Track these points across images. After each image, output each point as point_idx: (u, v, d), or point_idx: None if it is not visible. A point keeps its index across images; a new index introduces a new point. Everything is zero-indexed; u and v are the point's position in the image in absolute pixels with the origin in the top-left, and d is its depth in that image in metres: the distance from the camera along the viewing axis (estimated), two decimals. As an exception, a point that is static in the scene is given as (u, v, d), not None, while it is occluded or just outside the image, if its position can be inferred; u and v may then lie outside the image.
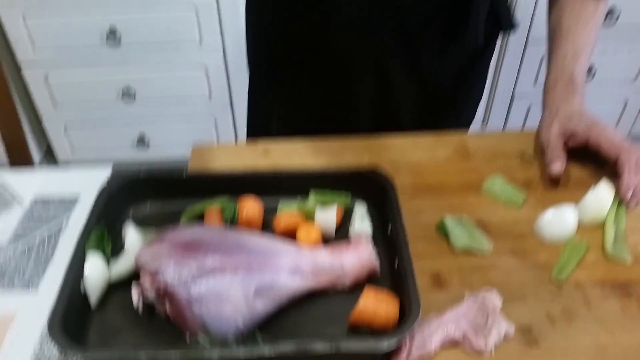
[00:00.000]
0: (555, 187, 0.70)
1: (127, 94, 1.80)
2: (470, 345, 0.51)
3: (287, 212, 0.63)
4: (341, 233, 0.63)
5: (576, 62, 0.75)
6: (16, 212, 0.71)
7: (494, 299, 0.55)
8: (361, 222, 0.63)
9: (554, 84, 0.76)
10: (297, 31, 0.81)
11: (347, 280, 0.56)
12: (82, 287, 0.54)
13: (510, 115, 2.02)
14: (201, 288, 0.51)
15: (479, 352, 0.51)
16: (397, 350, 0.50)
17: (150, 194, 0.66)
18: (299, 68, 0.86)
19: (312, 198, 0.65)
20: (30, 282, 0.62)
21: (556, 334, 0.53)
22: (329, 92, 0.87)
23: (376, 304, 0.51)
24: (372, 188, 0.65)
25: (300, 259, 0.56)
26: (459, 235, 0.62)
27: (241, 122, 1.95)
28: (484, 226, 0.64)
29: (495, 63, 1.90)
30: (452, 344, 0.52)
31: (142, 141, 1.94)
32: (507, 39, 1.82)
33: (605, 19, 1.78)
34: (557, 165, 0.69)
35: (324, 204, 0.64)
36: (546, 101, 0.77)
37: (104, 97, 1.81)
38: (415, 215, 0.66)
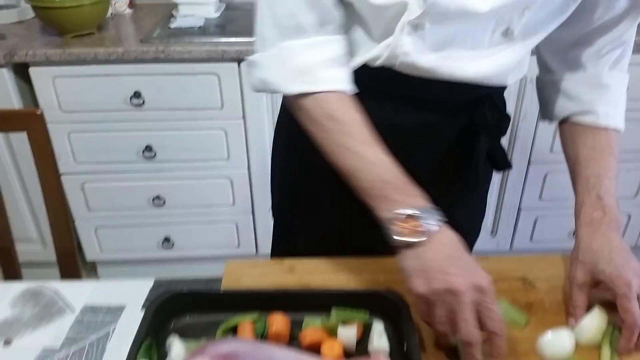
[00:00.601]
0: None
1: (157, 200, 1.93)
2: None
3: (312, 328, 0.71)
4: (361, 348, 0.70)
5: (601, 183, 0.77)
6: (68, 319, 0.79)
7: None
8: (379, 338, 0.70)
9: (580, 206, 0.78)
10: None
11: None
12: None
13: (518, 227, 2.11)
14: None
15: None
16: None
17: (190, 308, 0.75)
18: (324, 203, 0.95)
19: (334, 315, 0.72)
20: (81, 386, 0.69)
21: None
22: (351, 223, 0.95)
23: None
24: (388, 307, 0.72)
25: None
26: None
27: (260, 226, 2.06)
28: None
29: (500, 178, 2.02)
30: None
31: (167, 242, 2.05)
32: (511, 158, 1.95)
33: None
34: (572, 321, 0.73)
35: (345, 320, 0.72)
36: (577, 223, 0.78)
37: (135, 204, 1.95)
38: (428, 331, 0.73)
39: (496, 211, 2.09)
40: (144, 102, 1.73)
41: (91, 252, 2.06)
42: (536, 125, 1.89)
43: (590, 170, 0.79)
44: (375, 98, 0.81)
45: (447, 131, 0.88)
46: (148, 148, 1.81)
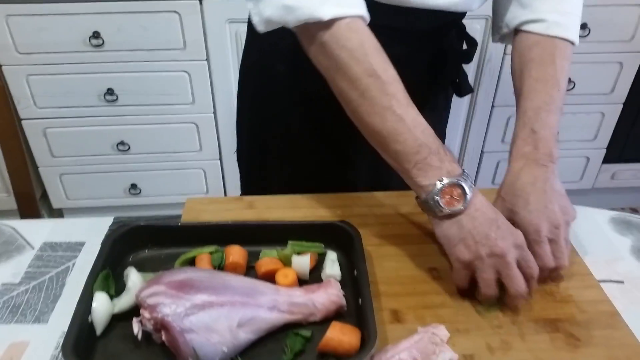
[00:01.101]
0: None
1: (122, 146, 1.91)
2: (419, 369, 0.60)
3: (268, 258, 0.73)
4: (314, 276, 0.73)
5: (537, 116, 0.76)
6: (28, 255, 0.80)
7: (442, 332, 0.65)
8: (332, 266, 0.73)
9: (514, 139, 0.78)
10: (301, 98, 0.91)
11: (318, 315, 0.66)
12: (89, 319, 0.63)
13: (481, 170, 2.17)
14: (192, 321, 0.60)
15: (427, 376, 0.60)
16: (358, 374, 0.59)
17: (149, 241, 0.76)
18: (302, 136, 0.96)
19: (290, 247, 0.75)
20: (41, 316, 0.70)
21: (494, 362, 0.63)
22: (330, 153, 0.96)
23: (341, 335, 0.61)
24: (341, 238, 0.75)
25: (278, 297, 0.66)
26: None
27: (228, 173, 2.06)
28: (437, 271, 0.75)
29: (464, 122, 2.05)
30: (404, 369, 0.61)
31: (134, 188, 2.04)
32: (475, 102, 1.98)
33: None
34: None
35: (300, 251, 0.74)
36: (509, 156, 0.79)
37: (100, 150, 1.92)
38: (380, 261, 0.76)
39: (460, 154, 2.13)
40: (103, 42, 1.68)
41: (57, 199, 2.04)
42: (500, 68, 1.91)
43: (529, 102, 0.78)
44: None
45: (418, 59, 0.89)
46: (110, 91, 1.77)
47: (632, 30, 1.87)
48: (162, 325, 0.60)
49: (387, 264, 0.76)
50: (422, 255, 0.78)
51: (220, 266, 0.73)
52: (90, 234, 0.84)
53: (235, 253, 0.73)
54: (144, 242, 0.76)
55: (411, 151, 0.68)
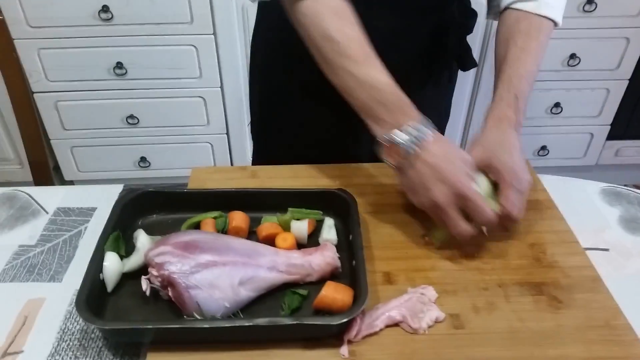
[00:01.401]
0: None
1: (131, 119, 1.96)
2: (408, 326, 0.65)
3: (268, 222, 0.77)
4: (312, 240, 0.77)
5: (520, 85, 0.80)
6: (43, 220, 0.85)
7: (430, 293, 0.69)
8: (329, 231, 0.77)
9: (497, 100, 0.81)
10: (303, 74, 0.94)
11: (315, 276, 0.70)
12: (101, 276, 0.68)
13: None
14: (197, 278, 0.64)
15: (415, 331, 0.64)
16: (349, 328, 0.63)
17: (157, 206, 0.80)
18: (302, 107, 1.00)
19: (289, 213, 0.79)
20: (55, 276, 0.75)
21: (479, 320, 0.67)
22: (333, 125, 1.00)
23: (335, 293, 0.65)
24: (339, 205, 0.79)
25: (277, 259, 0.70)
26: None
27: (235, 147, 2.10)
28: (429, 237, 0.78)
29: (470, 97, 2.06)
30: (394, 325, 0.65)
31: (143, 161, 2.09)
32: (480, 77, 1.99)
33: (568, 63, 1.96)
34: None
35: (299, 217, 0.78)
36: (488, 114, 0.82)
37: (110, 123, 1.97)
38: (375, 228, 0.80)
39: (464, 133, 2.15)
40: (112, 16, 1.71)
41: (69, 171, 2.09)
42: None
43: (514, 69, 0.81)
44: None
45: (419, 32, 0.91)
46: (119, 65, 1.81)
47: (639, 5, 1.86)
48: (168, 282, 0.65)
49: (382, 230, 0.80)
50: (414, 223, 0.81)
51: (223, 230, 0.77)
52: (101, 200, 0.88)
53: (238, 218, 0.77)
54: (152, 207, 0.80)
55: (365, 106, 0.75)
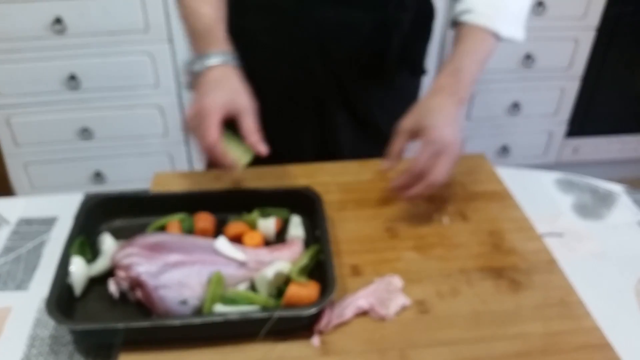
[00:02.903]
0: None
1: (86, 132, 1.92)
2: (376, 313, 0.67)
3: (235, 222, 0.78)
4: (280, 238, 0.78)
5: (463, 58, 0.81)
6: (5, 230, 0.83)
7: (396, 281, 0.71)
8: (295, 228, 0.78)
9: (442, 70, 0.82)
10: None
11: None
12: (68, 281, 0.67)
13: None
14: (165, 277, 0.65)
15: (382, 318, 0.66)
16: (320, 319, 0.65)
17: (121, 211, 0.80)
18: None
19: (256, 212, 0.80)
20: (21, 284, 0.74)
21: (443, 305, 0.69)
22: (276, 130, 1.01)
23: (300, 291, 0.66)
24: (304, 203, 0.80)
25: (245, 256, 0.71)
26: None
27: (196, 157, 2.09)
28: (393, 231, 0.81)
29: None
30: (362, 313, 0.67)
31: (99, 176, 2.04)
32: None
33: (523, 64, 2.04)
34: (386, 164, 0.81)
35: (266, 215, 0.79)
36: (429, 89, 0.82)
37: (63, 138, 1.93)
38: (341, 224, 0.82)
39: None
40: (65, 28, 1.69)
41: (22, 188, 2.03)
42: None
43: (458, 48, 0.83)
44: None
45: (363, 27, 0.93)
46: (72, 77, 1.78)
47: (584, 7, 1.95)
48: (137, 283, 0.65)
49: (348, 226, 0.82)
50: (379, 217, 0.84)
51: (190, 232, 0.78)
52: (62, 209, 0.87)
53: (204, 219, 0.78)
54: (116, 212, 0.80)
55: (188, 35, 0.82)
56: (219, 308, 0.65)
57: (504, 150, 2.23)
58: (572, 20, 1.98)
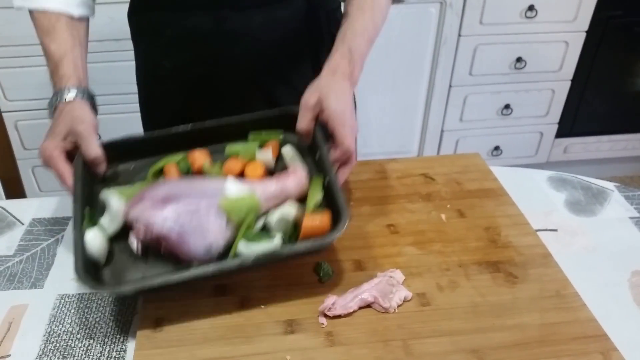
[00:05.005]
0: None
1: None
2: (379, 306, 0.70)
3: (233, 160, 0.80)
4: (279, 166, 0.82)
5: (354, 38, 0.81)
6: (19, 231, 0.86)
7: (398, 275, 0.74)
8: (292, 159, 0.81)
9: (332, 53, 0.81)
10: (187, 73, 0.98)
11: (292, 199, 0.74)
12: (91, 254, 0.69)
13: (442, 148, 2.28)
14: (186, 227, 0.66)
15: (386, 310, 0.70)
16: (325, 302, 0.68)
17: (117, 157, 0.82)
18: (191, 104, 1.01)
19: (251, 138, 0.81)
20: (36, 283, 0.77)
21: (443, 297, 0.73)
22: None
23: (313, 222, 0.70)
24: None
25: (255, 190, 0.72)
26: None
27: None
28: (394, 227, 0.84)
29: (424, 102, 2.15)
30: (366, 306, 0.70)
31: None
32: (434, 82, 2.08)
33: (515, 67, 2.08)
34: (301, 124, 0.78)
35: (262, 142, 0.81)
36: (325, 65, 0.81)
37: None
38: (343, 221, 0.85)
39: (421, 134, 2.24)
40: (71, 35, 1.72)
41: (30, 191, 2.06)
42: (456, 50, 2.02)
43: (348, 24, 0.83)
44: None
45: (292, 18, 0.95)
46: (80, 82, 1.81)
47: (574, 11, 2.00)
48: (160, 237, 0.67)
49: (350, 223, 0.84)
50: (380, 215, 0.87)
51: (188, 173, 0.80)
52: (75, 209, 0.90)
53: (200, 158, 0.80)
54: (112, 158, 0.81)
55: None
56: (242, 247, 0.68)
57: (497, 150, 2.27)
58: (563, 23, 2.02)
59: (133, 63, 1.85)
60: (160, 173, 0.80)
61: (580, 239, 0.86)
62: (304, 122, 0.78)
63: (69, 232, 0.86)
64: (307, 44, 0.99)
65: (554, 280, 0.76)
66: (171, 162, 0.80)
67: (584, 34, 2.05)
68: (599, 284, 0.77)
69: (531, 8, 1.96)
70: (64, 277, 0.78)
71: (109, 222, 0.73)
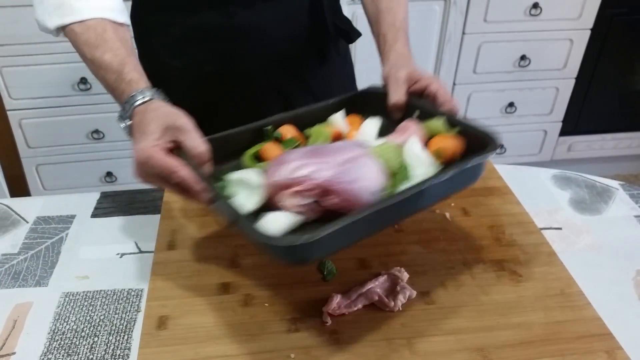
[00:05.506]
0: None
1: (96, 134, 1.96)
2: (383, 304, 0.70)
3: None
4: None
5: (402, 25, 0.89)
6: (23, 229, 0.87)
7: (403, 274, 0.74)
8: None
9: (393, 41, 0.87)
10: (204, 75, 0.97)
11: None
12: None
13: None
14: (351, 175, 0.63)
15: (390, 309, 0.69)
16: (329, 302, 0.68)
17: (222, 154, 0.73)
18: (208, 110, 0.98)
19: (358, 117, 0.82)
20: (41, 280, 0.77)
21: (447, 296, 0.72)
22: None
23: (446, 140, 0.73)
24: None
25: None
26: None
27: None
28: (398, 226, 0.84)
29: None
30: (371, 304, 0.70)
31: (110, 177, 2.08)
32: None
33: (519, 65, 2.07)
34: (397, 97, 0.81)
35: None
36: (391, 51, 0.86)
37: (74, 139, 1.96)
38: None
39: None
40: (75, 33, 1.72)
41: (34, 189, 2.07)
42: (460, 48, 2.01)
43: (392, 17, 0.90)
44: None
45: (297, 11, 0.96)
46: (83, 80, 1.81)
47: (579, 9, 1.99)
48: (325, 189, 0.62)
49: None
50: (385, 213, 0.87)
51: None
52: (79, 207, 0.91)
53: (289, 131, 0.77)
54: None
55: (107, 89, 0.77)
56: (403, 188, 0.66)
57: (501, 148, 2.26)
58: (567, 21, 2.01)
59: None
60: (256, 159, 0.75)
61: (585, 238, 0.86)
62: (399, 94, 0.81)
63: (73, 230, 0.86)
64: (313, 37, 1.00)
65: (558, 279, 0.76)
66: (270, 142, 0.76)
67: (589, 32, 2.05)
68: (604, 282, 0.77)
69: (536, 6, 1.95)
70: (68, 275, 0.78)
71: (246, 199, 0.66)
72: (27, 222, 0.88)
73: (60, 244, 0.84)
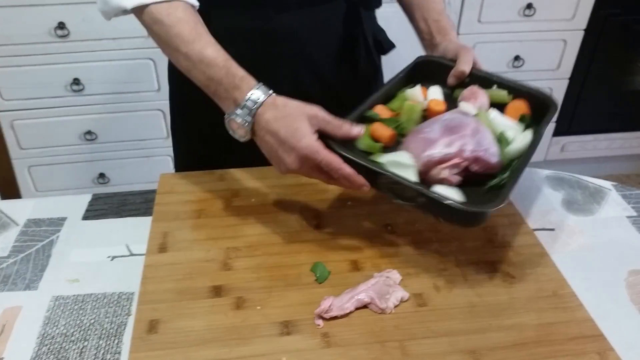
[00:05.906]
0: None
1: (89, 135, 1.95)
2: (376, 306, 0.69)
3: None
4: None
5: (445, 15, 0.97)
6: (14, 231, 0.86)
7: (395, 276, 0.74)
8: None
9: (447, 32, 0.96)
10: None
11: None
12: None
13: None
14: (484, 144, 0.74)
15: (383, 311, 0.69)
16: (321, 305, 0.68)
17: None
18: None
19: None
20: (31, 284, 0.77)
21: (440, 298, 0.72)
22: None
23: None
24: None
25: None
26: None
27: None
28: (391, 227, 0.84)
29: None
30: (363, 307, 0.70)
31: (102, 178, 2.07)
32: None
33: (513, 65, 2.07)
34: (467, 66, 0.91)
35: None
36: (450, 35, 0.96)
37: (67, 140, 1.95)
38: (340, 220, 0.85)
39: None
40: (68, 32, 1.71)
41: (26, 191, 2.06)
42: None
43: (435, 5, 0.97)
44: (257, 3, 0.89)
45: (332, 19, 0.96)
46: (76, 81, 1.81)
47: (573, 9, 1.99)
48: (473, 160, 0.73)
49: (346, 222, 0.85)
50: (377, 214, 0.86)
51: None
52: (71, 209, 0.90)
53: (382, 111, 0.84)
54: None
55: (203, 85, 0.77)
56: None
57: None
58: (561, 21, 2.02)
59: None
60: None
61: (578, 239, 0.86)
62: (469, 64, 0.91)
63: (64, 232, 0.85)
64: (347, 46, 0.99)
65: (551, 280, 0.76)
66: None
67: (582, 33, 2.05)
68: (596, 283, 0.77)
69: (529, 6, 1.95)
70: (58, 279, 0.77)
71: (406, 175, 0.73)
72: (18, 225, 0.87)
73: (51, 247, 0.83)
